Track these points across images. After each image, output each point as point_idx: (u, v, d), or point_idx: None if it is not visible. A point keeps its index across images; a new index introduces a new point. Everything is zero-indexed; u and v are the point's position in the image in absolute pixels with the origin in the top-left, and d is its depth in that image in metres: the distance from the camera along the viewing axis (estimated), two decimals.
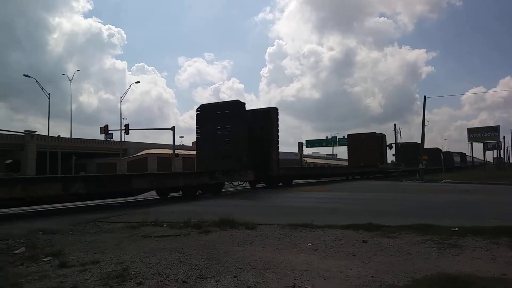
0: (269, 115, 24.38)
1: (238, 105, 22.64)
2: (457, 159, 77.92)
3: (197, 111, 23.33)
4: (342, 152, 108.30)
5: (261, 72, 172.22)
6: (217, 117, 22.59)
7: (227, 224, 8.22)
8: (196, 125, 23.33)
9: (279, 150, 25.10)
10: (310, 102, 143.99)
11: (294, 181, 28.75)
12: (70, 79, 61.98)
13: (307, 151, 67.08)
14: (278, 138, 24.62)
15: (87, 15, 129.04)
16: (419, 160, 38.59)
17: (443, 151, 69.61)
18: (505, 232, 6.75)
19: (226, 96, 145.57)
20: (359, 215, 9.89)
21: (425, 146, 40.85)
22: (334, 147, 73.26)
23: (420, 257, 5.50)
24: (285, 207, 13.45)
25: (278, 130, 24.67)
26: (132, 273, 4.75)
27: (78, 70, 72.95)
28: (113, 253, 5.91)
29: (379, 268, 4.90)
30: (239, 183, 23.11)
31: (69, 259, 5.51)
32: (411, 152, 48.68)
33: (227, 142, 22.02)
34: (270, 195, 19.45)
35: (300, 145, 58.81)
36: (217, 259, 5.44)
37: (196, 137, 23.75)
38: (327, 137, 68.34)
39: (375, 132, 44.94)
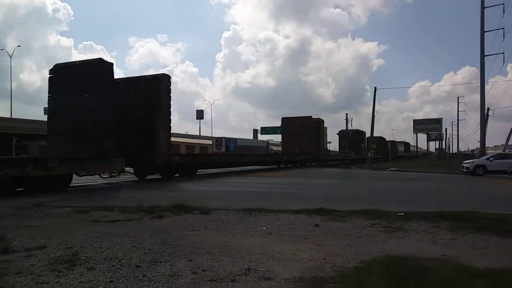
0: (157, 84, 18.39)
1: (100, 65, 15.81)
2: (401, 148, 79.05)
3: (50, 73, 16.54)
4: None
5: (216, 56, 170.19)
6: (76, 83, 15.62)
7: (181, 209, 8.14)
8: (48, 93, 16.42)
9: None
10: (265, 90, 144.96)
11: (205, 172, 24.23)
12: (10, 54, 57.74)
13: (261, 137, 67.59)
14: (169, 115, 18.83)
15: None
16: (367, 149, 40.27)
17: (389, 140, 71.39)
18: (445, 217, 7.22)
19: (179, 79, 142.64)
20: (315, 200, 10.15)
21: (371, 135, 42.56)
22: None
23: (369, 240, 5.76)
24: None
25: (170, 104, 18.81)
26: (82, 258, 4.58)
27: (19, 46, 67.72)
28: (61, 238, 5.65)
29: (331, 250, 5.07)
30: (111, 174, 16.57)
31: (12, 244, 5.21)
32: (355, 140, 50.15)
33: (86, 118, 15.24)
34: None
35: (255, 132, 59.17)
36: (171, 243, 5.38)
37: (48, 110, 17.64)
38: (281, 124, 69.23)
39: (311, 116, 41.54)
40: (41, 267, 4.26)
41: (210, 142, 55.68)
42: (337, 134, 51.04)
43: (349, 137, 47.49)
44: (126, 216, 7.57)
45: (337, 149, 51.17)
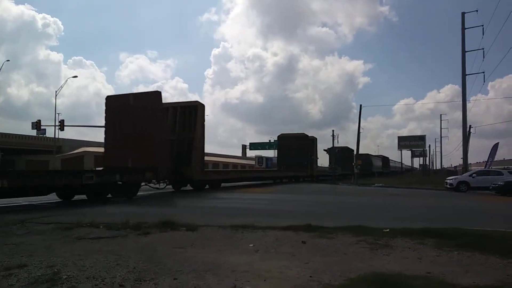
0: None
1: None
2: (378, 163, 72.47)
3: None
4: None
5: (205, 73, 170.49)
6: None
7: (167, 225, 8.03)
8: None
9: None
10: (254, 106, 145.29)
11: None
12: None
13: (250, 153, 67.82)
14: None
15: (18, 1, 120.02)
16: (354, 165, 40.59)
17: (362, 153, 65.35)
18: (430, 234, 7.27)
19: (169, 95, 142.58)
20: (300, 216, 10.15)
21: (356, 152, 43.10)
22: (276, 150, 74.91)
23: (355, 257, 5.77)
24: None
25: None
26: (64, 277, 4.48)
27: (8, 60, 66.99)
28: (43, 256, 5.53)
29: (317, 268, 5.06)
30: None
31: None
32: (344, 157, 50.39)
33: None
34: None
35: (244, 147, 59.47)
36: (157, 261, 5.31)
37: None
38: (269, 140, 69.71)
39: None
40: (21, 287, 4.15)
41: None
42: (324, 150, 51.37)
43: (336, 153, 47.77)
44: (112, 233, 7.45)
45: (326, 165, 51.50)
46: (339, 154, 48.61)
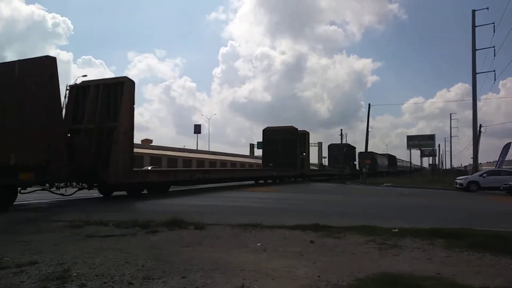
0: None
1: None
2: (383, 162, 68.29)
3: None
4: None
5: (213, 72, 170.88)
6: None
7: (175, 224, 8.07)
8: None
9: None
10: (262, 104, 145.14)
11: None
12: None
13: (258, 152, 67.66)
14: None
15: (29, 1, 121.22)
16: (359, 164, 40.38)
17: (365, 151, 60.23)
18: (439, 234, 7.21)
19: (177, 94, 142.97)
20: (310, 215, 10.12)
21: (362, 151, 42.68)
22: None
23: (364, 257, 5.74)
24: None
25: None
26: (74, 274, 4.52)
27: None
28: (53, 253, 5.58)
29: (325, 267, 5.05)
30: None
31: (3, 260, 5.13)
32: (347, 155, 49.08)
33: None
34: None
35: (252, 146, 59.31)
36: (165, 259, 5.33)
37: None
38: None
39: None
40: (31, 284, 4.19)
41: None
42: (328, 146, 50.56)
43: (344, 152, 47.58)
44: (121, 231, 7.50)
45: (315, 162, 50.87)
46: (343, 151, 47.56)
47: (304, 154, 38.63)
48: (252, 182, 29.83)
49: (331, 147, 54.15)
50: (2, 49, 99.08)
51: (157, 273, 4.67)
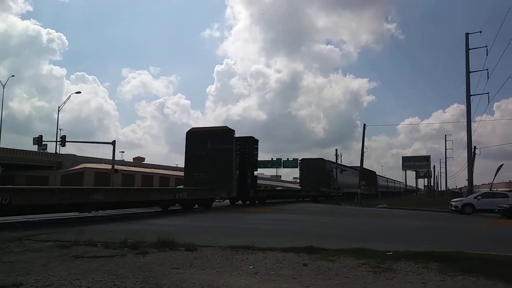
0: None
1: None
2: (351, 179, 49.76)
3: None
4: (286, 174, 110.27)
5: (208, 89, 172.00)
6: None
7: (166, 245, 7.92)
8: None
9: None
10: (256, 123, 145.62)
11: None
12: (3, 84, 57.19)
13: None
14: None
15: (25, 16, 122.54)
16: (357, 185, 40.21)
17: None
18: (434, 257, 7.11)
19: (170, 111, 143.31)
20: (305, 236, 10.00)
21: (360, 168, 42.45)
22: (279, 168, 74.58)
23: (357, 280, 5.64)
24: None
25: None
26: None
27: (13, 76, 67.09)
28: (40, 274, 5.43)
29: None
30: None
31: None
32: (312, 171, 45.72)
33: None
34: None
35: None
36: (154, 282, 5.20)
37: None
38: (272, 158, 69.41)
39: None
40: None
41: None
42: (299, 161, 45.17)
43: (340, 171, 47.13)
44: (110, 252, 7.34)
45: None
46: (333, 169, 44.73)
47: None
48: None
49: (303, 162, 44.75)
50: None
51: None
